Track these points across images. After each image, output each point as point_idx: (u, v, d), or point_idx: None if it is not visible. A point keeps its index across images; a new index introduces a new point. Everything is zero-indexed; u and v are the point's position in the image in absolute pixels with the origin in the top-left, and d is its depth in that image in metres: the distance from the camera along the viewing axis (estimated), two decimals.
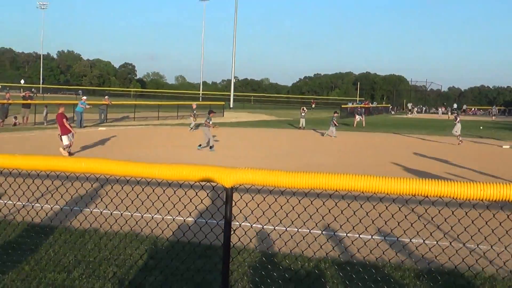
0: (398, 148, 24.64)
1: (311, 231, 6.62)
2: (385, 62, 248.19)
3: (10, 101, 30.94)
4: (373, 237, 6.29)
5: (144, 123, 37.46)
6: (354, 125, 41.16)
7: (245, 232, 5.63)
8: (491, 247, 5.47)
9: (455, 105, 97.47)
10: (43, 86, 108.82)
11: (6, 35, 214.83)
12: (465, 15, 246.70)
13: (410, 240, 7.04)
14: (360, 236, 5.68)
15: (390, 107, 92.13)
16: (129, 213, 6.66)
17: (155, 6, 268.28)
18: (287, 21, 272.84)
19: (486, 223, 4.48)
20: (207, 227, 6.01)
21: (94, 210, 8.25)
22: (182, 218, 7.15)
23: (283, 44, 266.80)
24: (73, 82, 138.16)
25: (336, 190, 3.35)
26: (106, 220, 6.39)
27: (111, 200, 6.13)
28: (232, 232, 3.63)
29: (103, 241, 6.76)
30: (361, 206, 5.24)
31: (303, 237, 6.22)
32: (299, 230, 6.33)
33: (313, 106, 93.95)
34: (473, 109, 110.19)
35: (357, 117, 43.16)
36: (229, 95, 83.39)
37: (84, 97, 34.88)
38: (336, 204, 4.74)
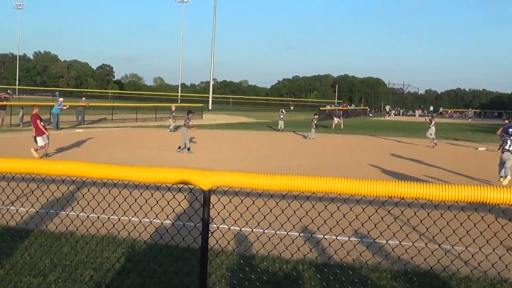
0: (376, 150, 24.84)
1: (288, 233, 6.64)
2: (363, 64, 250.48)
3: None
4: (350, 239, 6.34)
5: (122, 125, 37.19)
6: (333, 127, 41.39)
7: (223, 235, 5.63)
8: (466, 248, 5.55)
9: (431, 108, 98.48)
10: (19, 87, 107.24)
11: None
12: (441, 19, 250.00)
13: (387, 242, 7.12)
14: (338, 238, 5.70)
15: (368, 109, 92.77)
16: (106, 216, 6.60)
17: (133, 8, 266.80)
18: (266, 23, 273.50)
19: (461, 224, 4.54)
20: (185, 230, 5.99)
21: (70, 213, 8.16)
22: (159, 221, 7.12)
23: (262, 46, 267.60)
24: (50, 84, 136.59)
25: (313, 192, 3.37)
26: (82, 223, 6.34)
27: (88, 203, 6.08)
28: (210, 235, 3.63)
29: (79, 244, 6.70)
30: (338, 208, 5.27)
31: (281, 239, 6.24)
32: (277, 232, 6.35)
33: (292, 108, 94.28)
34: (449, 111, 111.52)
35: (335, 120, 43.45)
36: (208, 97, 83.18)
37: (61, 99, 34.55)
38: (313, 206, 4.77)
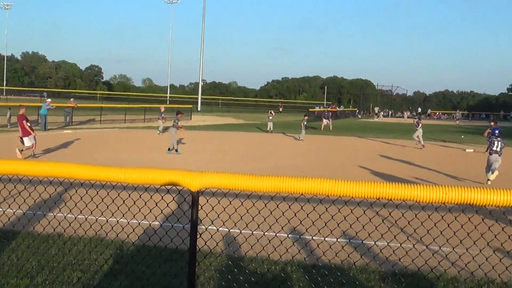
0: (365, 151, 24.93)
1: (277, 234, 6.65)
2: (352, 66, 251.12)
3: None
4: (338, 240, 6.36)
5: (110, 126, 37.02)
6: (321, 129, 41.45)
7: (211, 236, 5.63)
8: (453, 249, 5.59)
9: (419, 109, 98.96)
10: (7, 88, 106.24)
11: None
12: (430, 21, 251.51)
13: (375, 243, 7.15)
14: (326, 239, 5.72)
15: (357, 111, 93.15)
16: (94, 218, 6.57)
17: (122, 8, 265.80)
18: (255, 25, 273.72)
19: (448, 225, 4.56)
20: (173, 231, 5.98)
21: (58, 214, 8.11)
22: (147, 222, 7.09)
23: (251, 47, 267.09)
24: (38, 84, 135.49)
25: (302, 194, 3.38)
26: (70, 224, 6.30)
27: (75, 204, 6.05)
28: (198, 236, 3.63)
29: (67, 246, 6.66)
30: (326, 210, 5.29)
31: (269, 241, 6.24)
32: (265, 233, 6.35)
33: (281, 109, 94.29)
34: (437, 113, 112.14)
35: (324, 121, 43.48)
36: (197, 98, 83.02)
37: (49, 100, 34.35)
38: (302, 208, 4.78)
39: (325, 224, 5.30)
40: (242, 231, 6.99)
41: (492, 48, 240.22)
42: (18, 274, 5.60)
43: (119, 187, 4.34)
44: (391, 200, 3.27)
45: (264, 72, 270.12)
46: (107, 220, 6.71)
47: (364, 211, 4.61)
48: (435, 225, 4.81)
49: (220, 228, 7.23)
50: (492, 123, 21.89)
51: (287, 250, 5.82)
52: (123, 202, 5.23)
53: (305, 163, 19.16)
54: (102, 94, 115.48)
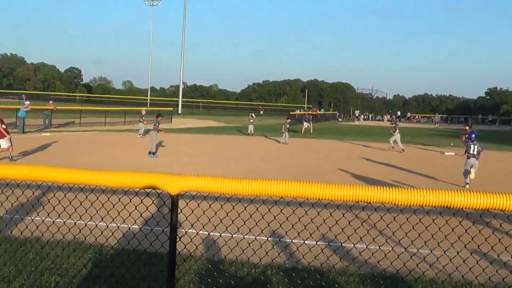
0: (345, 154, 25.07)
1: (257, 237, 6.66)
2: (332, 69, 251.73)
3: None
4: (317, 243, 6.39)
5: (90, 129, 36.73)
6: (302, 132, 41.62)
7: (191, 239, 5.61)
8: (431, 251, 5.64)
9: (398, 113, 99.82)
10: None
11: None
12: (409, 25, 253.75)
13: (354, 246, 7.20)
14: (305, 242, 5.75)
15: (338, 114, 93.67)
16: (72, 221, 6.52)
17: (102, 10, 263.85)
18: (236, 28, 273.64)
19: (426, 228, 4.62)
20: (153, 235, 5.96)
21: (35, 218, 8.03)
22: (127, 226, 7.05)
23: (231, 50, 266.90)
24: (16, 86, 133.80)
25: (281, 197, 3.39)
26: (48, 228, 6.23)
27: (54, 208, 5.99)
28: (178, 239, 3.62)
29: (45, 250, 6.59)
30: (306, 213, 5.30)
31: (249, 244, 6.25)
32: (245, 236, 6.36)
33: (262, 112, 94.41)
34: (417, 116, 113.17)
35: (305, 124, 43.67)
36: (178, 101, 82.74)
37: (27, 102, 33.96)
38: (281, 211, 4.79)
39: (305, 227, 5.32)
40: (222, 234, 7.00)
41: (470, 52, 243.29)
42: None
43: (97, 190, 4.31)
44: (370, 203, 3.29)
45: (245, 75, 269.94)
46: (85, 224, 6.67)
47: (343, 214, 4.64)
48: (413, 227, 4.86)
49: (200, 232, 7.22)
50: (467, 128, 22.25)
51: (266, 253, 5.83)
52: (102, 205, 5.19)
53: (285, 166, 19.20)
54: (81, 96, 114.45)
